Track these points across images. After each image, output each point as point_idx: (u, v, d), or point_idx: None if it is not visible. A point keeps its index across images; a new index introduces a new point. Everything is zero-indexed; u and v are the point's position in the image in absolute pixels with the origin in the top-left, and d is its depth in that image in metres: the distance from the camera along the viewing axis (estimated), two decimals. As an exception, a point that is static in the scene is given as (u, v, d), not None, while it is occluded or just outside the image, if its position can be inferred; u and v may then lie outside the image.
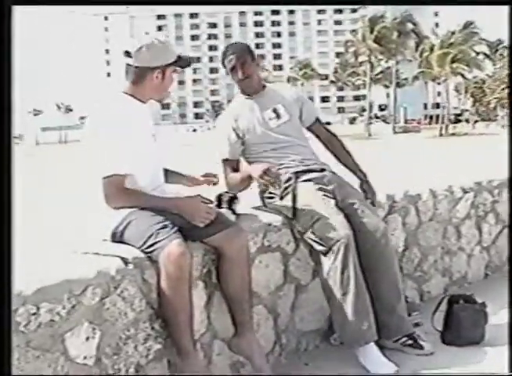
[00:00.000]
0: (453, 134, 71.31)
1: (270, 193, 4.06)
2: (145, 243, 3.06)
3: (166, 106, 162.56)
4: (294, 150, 4.13)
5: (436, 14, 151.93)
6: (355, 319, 3.69)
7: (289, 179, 4.00)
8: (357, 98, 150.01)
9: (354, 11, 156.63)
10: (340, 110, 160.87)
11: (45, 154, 66.20)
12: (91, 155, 3.22)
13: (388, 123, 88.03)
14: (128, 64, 3.33)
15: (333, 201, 3.92)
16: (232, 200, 3.66)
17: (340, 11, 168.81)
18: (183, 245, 3.02)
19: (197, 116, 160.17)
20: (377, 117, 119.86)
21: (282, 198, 3.98)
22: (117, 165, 3.15)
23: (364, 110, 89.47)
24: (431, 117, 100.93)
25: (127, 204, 3.18)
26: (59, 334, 2.69)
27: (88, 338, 2.79)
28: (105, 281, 2.86)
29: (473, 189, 5.41)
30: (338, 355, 3.90)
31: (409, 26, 79.64)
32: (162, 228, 3.07)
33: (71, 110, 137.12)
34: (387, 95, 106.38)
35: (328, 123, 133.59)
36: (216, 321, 3.45)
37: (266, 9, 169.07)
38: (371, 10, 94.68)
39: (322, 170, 4.13)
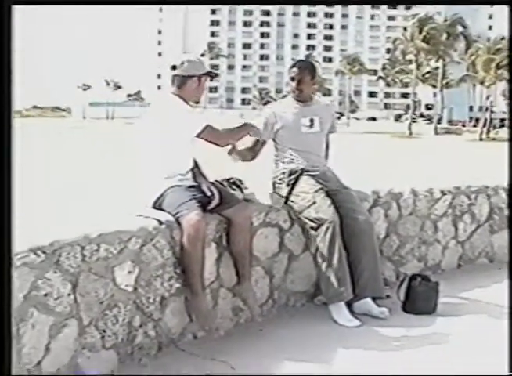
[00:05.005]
0: (494, 139, 70.85)
1: (280, 179, 5.20)
2: (174, 210, 4.22)
3: (214, 90, 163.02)
4: (309, 157, 5.25)
5: (490, 17, 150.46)
6: (336, 282, 4.85)
7: (295, 172, 5.15)
8: (404, 95, 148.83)
9: (408, 8, 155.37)
10: (387, 106, 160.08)
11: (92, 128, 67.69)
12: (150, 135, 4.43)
13: (433, 123, 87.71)
14: (173, 75, 4.51)
15: (325, 193, 5.07)
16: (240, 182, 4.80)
17: (394, 7, 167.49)
18: (200, 214, 4.17)
19: (244, 102, 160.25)
20: (423, 116, 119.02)
21: (288, 185, 5.14)
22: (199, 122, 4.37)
23: (410, 108, 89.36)
24: (477, 120, 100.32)
25: (223, 140, 4.53)
26: (110, 266, 3.83)
27: (129, 272, 3.93)
28: (144, 234, 4.02)
29: (451, 192, 6.45)
30: (319, 313, 5.01)
31: (459, 28, 79.51)
32: (187, 201, 4.23)
33: (120, 87, 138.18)
34: (434, 95, 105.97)
35: (373, 118, 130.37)
36: (223, 274, 4.58)
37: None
38: (424, 9, 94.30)
39: (325, 172, 5.26)
